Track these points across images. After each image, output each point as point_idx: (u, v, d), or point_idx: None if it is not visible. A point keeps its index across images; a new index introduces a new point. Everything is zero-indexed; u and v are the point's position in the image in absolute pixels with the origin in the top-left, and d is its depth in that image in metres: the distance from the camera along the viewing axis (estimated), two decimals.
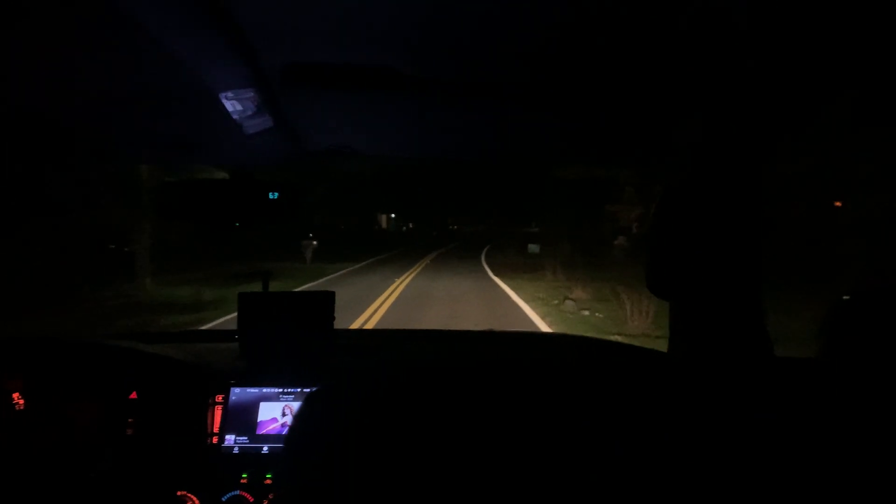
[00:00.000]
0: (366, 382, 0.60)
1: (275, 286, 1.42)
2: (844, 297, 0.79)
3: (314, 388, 0.64)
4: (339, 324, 1.40)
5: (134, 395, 1.14)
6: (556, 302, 10.69)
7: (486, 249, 33.38)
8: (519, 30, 0.73)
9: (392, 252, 30.37)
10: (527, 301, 10.71)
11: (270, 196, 1.17)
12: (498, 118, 1.02)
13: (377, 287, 12.49)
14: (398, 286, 12.82)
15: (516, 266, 18.75)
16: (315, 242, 19.48)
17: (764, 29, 0.68)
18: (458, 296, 11.27)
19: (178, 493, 1.06)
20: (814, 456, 0.67)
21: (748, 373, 0.80)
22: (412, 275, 16.09)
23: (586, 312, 9.50)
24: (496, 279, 14.99)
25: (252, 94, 1.05)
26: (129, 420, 1.13)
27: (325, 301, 1.35)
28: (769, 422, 0.71)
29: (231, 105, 1.03)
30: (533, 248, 25.51)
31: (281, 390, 1.22)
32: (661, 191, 0.93)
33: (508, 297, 11.22)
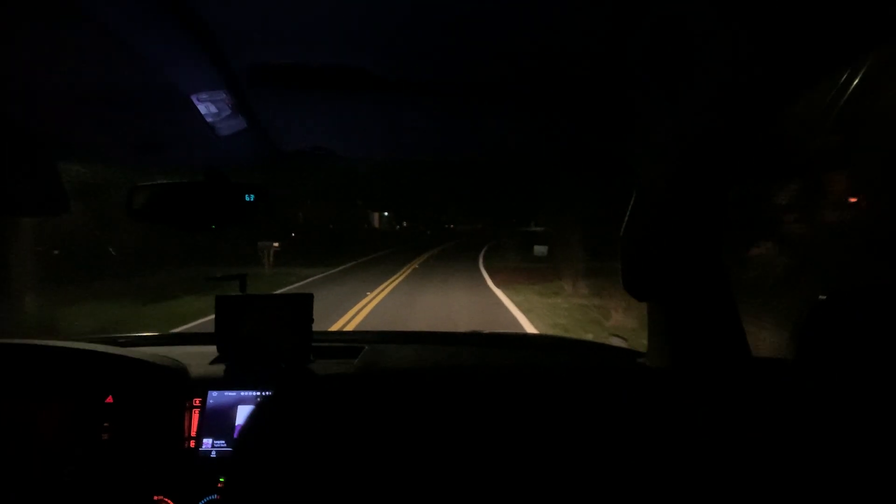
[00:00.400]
0: (311, 390, 0.61)
1: (205, 300, 1.40)
2: (821, 297, 0.81)
3: (266, 395, 0.64)
4: None
5: (110, 399, 1.13)
6: (589, 335, 7.31)
7: (484, 251, 31.02)
8: (490, 30, 0.74)
9: (377, 254, 28.57)
10: (546, 331, 7.65)
11: (247, 198, 1.16)
12: (469, 118, 1.03)
13: (342, 304, 9.96)
14: (369, 303, 10.38)
15: (522, 274, 15.94)
16: (276, 244, 17.38)
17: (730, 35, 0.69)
18: (445, 318, 8.47)
19: (155, 497, 1.06)
20: (791, 452, 0.69)
21: (725, 373, 0.81)
22: (392, 285, 13.75)
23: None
24: (498, 293, 12.18)
25: (224, 95, 1.05)
26: (105, 424, 1.12)
27: (303, 303, 1.34)
28: (747, 424, 0.72)
29: (204, 107, 1.04)
30: (540, 250, 22.83)
31: (259, 394, 1.22)
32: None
33: (517, 322, 8.39)
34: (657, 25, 0.76)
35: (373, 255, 26.54)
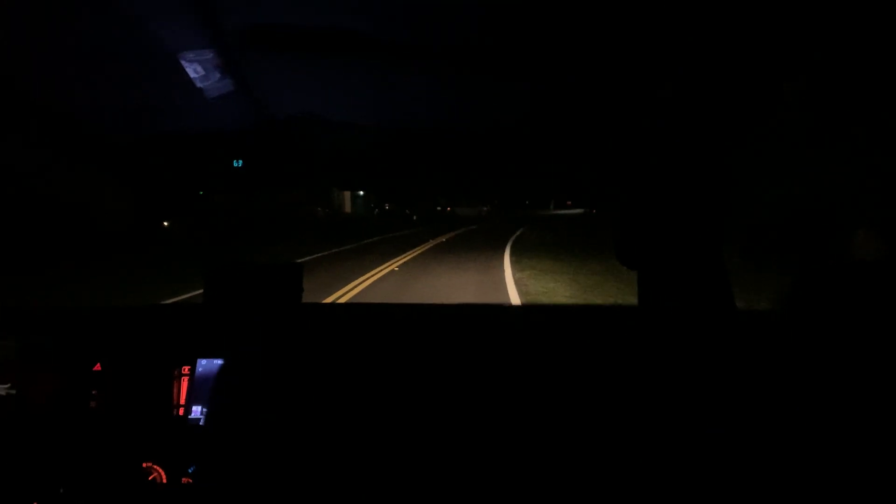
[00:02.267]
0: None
1: None
2: (816, 266, 0.85)
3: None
4: None
5: (98, 367, 1.12)
6: None
7: (507, 252, 12.91)
8: None
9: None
10: None
11: (235, 164, 1.14)
12: (464, 83, 1.02)
13: None
14: None
15: None
16: None
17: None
18: None
19: (144, 464, 1.06)
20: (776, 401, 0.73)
21: (712, 323, 0.85)
22: None
23: None
24: None
25: (212, 55, 1.03)
26: (93, 392, 1.11)
27: (293, 273, 1.34)
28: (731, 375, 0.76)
29: (191, 67, 1.01)
30: None
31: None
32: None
33: None
34: None
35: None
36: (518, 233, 20.30)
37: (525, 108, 1.29)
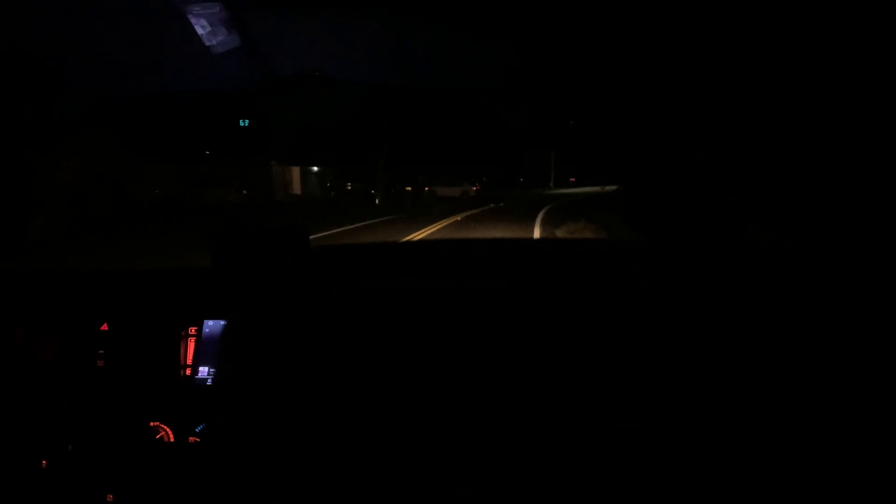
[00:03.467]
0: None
1: None
2: None
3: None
4: None
5: (105, 327, 1.12)
6: None
7: None
8: None
9: None
10: None
11: (241, 123, 1.14)
12: (475, 43, 1.04)
13: None
14: None
15: None
16: None
17: None
18: None
19: (151, 423, 1.08)
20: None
21: (714, 251, 0.91)
22: None
23: None
24: None
25: (218, 9, 1.01)
26: (100, 352, 1.11)
27: (299, 237, 1.36)
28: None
29: (197, 21, 0.99)
30: None
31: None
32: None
33: None
34: None
35: None
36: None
37: (523, 65, 1.30)
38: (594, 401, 0.92)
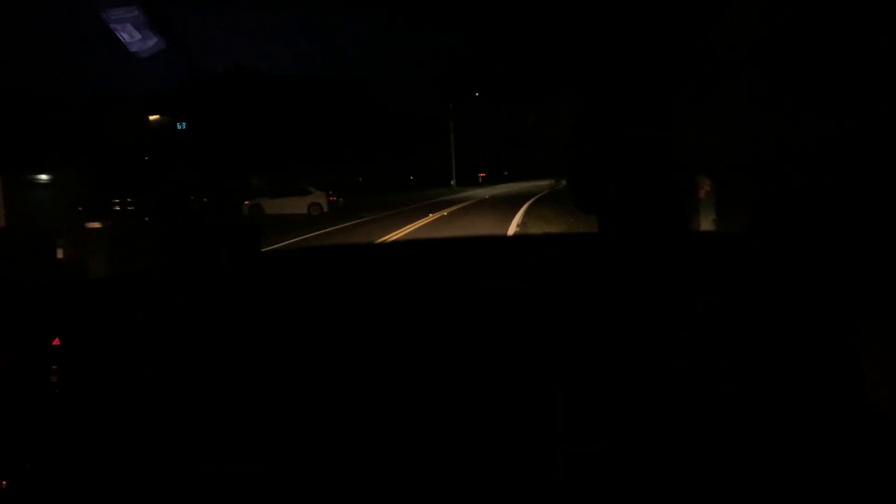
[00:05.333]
0: None
1: None
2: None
3: None
4: None
5: (57, 342, 1.12)
6: None
7: None
8: None
9: None
10: None
11: (179, 126, 1.14)
12: (394, 27, 1.06)
13: None
14: None
15: None
16: None
17: None
18: None
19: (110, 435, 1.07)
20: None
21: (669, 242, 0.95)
22: None
23: None
24: None
25: (136, 11, 1.02)
26: (53, 367, 1.11)
27: (250, 234, 1.36)
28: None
29: (118, 25, 1.00)
30: None
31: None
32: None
33: None
34: None
35: None
36: None
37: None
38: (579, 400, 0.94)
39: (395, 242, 1.55)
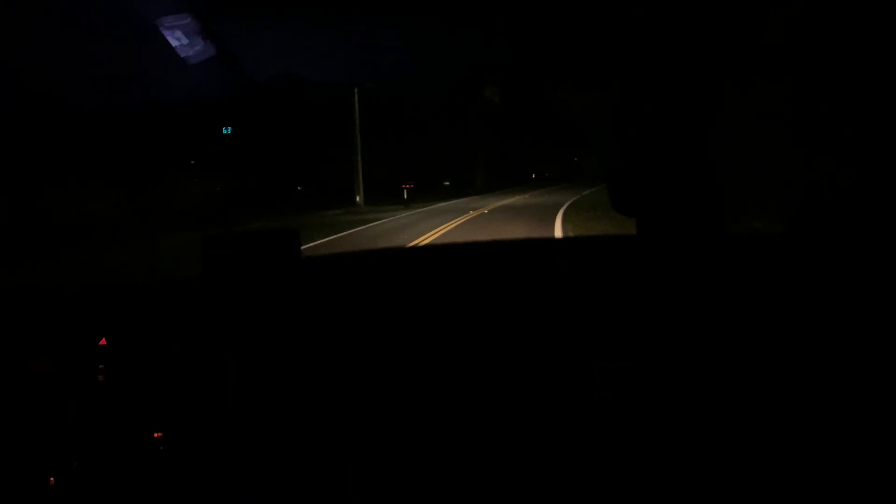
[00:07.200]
0: None
1: None
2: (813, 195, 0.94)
3: None
4: None
5: (104, 342, 1.15)
6: None
7: None
8: None
9: None
10: None
11: (224, 131, 1.16)
12: (447, 39, 1.06)
13: None
14: None
15: None
16: None
17: None
18: None
19: (156, 434, 1.10)
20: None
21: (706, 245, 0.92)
22: None
23: None
24: None
25: (189, 20, 1.04)
26: (100, 367, 1.14)
27: (290, 239, 1.37)
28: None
29: (169, 33, 1.01)
30: None
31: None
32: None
33: None
34: None
35: None
36: None
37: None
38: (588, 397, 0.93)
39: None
